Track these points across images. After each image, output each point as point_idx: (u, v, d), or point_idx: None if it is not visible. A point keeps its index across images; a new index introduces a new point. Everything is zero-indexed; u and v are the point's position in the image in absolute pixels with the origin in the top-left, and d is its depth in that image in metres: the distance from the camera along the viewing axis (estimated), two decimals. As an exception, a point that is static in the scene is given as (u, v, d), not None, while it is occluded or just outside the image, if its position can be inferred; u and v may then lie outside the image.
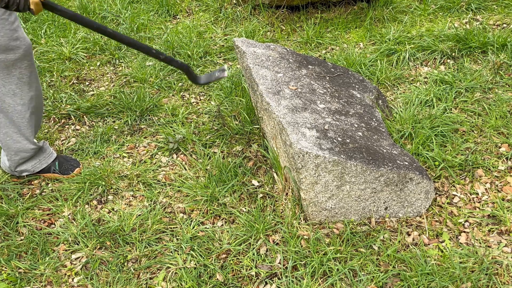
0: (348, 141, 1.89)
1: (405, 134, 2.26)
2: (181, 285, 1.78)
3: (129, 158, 2.41)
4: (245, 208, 2.07)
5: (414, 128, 2.27)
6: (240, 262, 1.85)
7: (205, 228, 1.99)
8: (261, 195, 2.12)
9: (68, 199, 2.18)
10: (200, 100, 2.79)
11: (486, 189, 2.02)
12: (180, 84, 2.91)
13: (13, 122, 2.09)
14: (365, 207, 1.92)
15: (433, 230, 1.89)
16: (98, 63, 3.17)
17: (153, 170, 2.32)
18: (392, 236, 1.88)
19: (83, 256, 1.93)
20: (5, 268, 1.90)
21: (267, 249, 1.88)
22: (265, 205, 2.07)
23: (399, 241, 1.85)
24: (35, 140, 2.21)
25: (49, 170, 2.29)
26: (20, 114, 2.08)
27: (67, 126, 2.66)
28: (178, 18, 3.62)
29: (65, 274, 1.88)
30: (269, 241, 1.90)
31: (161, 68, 3.03)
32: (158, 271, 1.85)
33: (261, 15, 3.43)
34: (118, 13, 3.63)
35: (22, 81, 2.02)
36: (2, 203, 2.17)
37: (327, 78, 2.31)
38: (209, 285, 1.77)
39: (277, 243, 1.90)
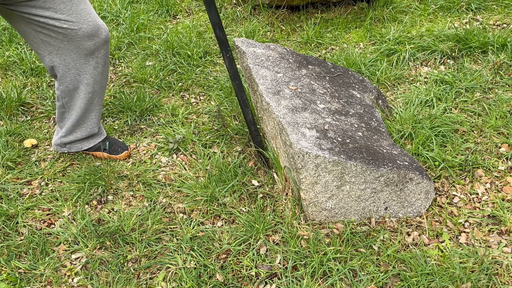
0: (348, 141, 1.89)
1: (405, 134, 2.26)
2: (181, 285, 1.78)
3: (129, 158, 2.41)
4: (245, 208, 2.07)
5: (414, 128, 2.27)
6: (240, 262, 1.85)
7: (205, 228, 1.99)
8: (261, 195, 2.12)
9: (68, 199, 2.18)
10: (200, 100, 2.79)
11: (486, 189, 2.02)
12: (180, 84, 2.91)
13: (82, 107, 2.18)
14: (365, 207, 1.92)
15: (433, 230, 1.89)
16: (98, 63, 3.17)
17: (153, 170, 2.32)
18: (392, 236, 1.88)
19: (83, 256, 1.93)
20: (5, 268, 1.90)
21: (267, 249, 1.88)
22: (265, 205, 2.07)
23: (399, 241, 1.85)
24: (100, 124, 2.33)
25: (99, 149, 2.36)
26: (90, 101, 2.17)
27: (67, 126, 2.66)
28: (178, 18, 3.62)
29: (65, 274, 1.88)
30: (269, 241, 1.90)
31: (161, 68, 3.03)
32: (158, 271, 1.85)
33: (261, 15, 3.43)
34: (118, 13, 3.63)
35: (97, 71, 2.09)
36: (2, 203, 2.17)
37: (327, 78, 2.31)
38: (209, 285, 1.77)
39: (277, 243, 1.89)
